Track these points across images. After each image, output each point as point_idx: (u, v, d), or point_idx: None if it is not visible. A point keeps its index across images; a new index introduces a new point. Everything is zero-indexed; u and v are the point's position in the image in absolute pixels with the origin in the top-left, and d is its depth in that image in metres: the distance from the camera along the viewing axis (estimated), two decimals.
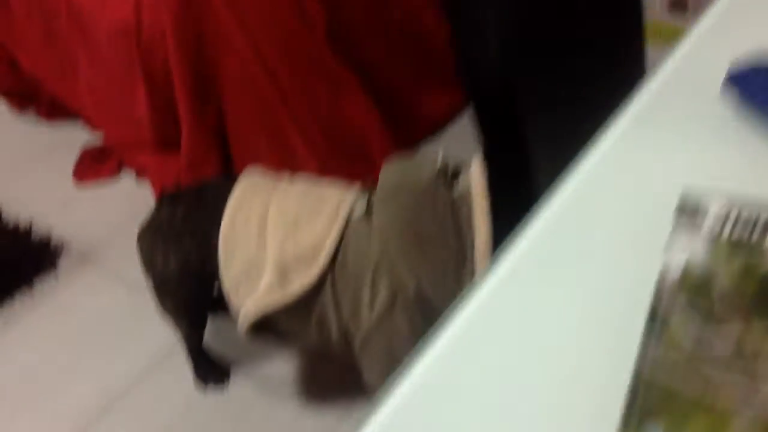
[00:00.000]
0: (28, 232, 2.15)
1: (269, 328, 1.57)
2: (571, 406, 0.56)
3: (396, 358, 1.47)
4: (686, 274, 0.57)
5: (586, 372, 0.58)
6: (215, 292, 1.61)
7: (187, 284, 1.58)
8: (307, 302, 1.47)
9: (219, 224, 1.50)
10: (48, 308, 2.00)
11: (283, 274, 1.46)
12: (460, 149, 2.28)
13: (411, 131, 2.30)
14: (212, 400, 1.77)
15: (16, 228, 2.16)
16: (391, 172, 1.46)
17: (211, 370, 1.79)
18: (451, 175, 1.43)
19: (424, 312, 1.43)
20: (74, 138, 2.49)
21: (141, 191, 2.30)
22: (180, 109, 2.10)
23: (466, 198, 1.39)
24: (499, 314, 0.64)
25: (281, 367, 1.82)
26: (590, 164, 0.76)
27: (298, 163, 2.08)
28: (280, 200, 1.51)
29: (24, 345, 1.92)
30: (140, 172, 2.33)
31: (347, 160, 2.10)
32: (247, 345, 1.86)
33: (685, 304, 0.55)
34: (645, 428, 0.51)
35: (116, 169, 2.36)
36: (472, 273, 1.38)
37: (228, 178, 1.58)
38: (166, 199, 1.60)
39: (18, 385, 1.84)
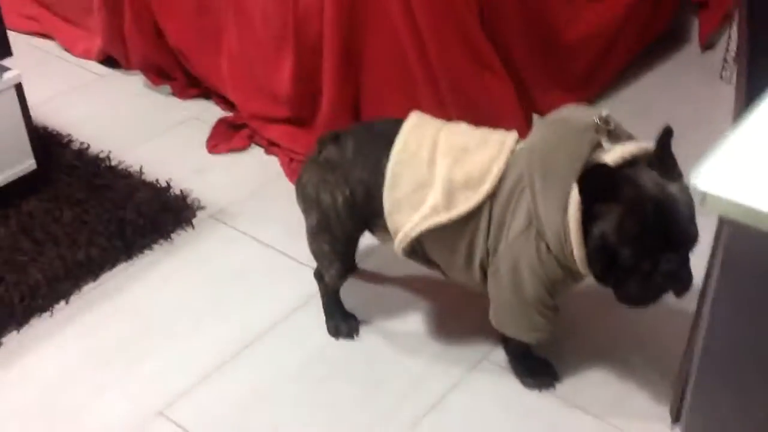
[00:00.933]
0: (166, 189, 2.27)
1: (420, 254, 1.66)
2: None
3: (520, 283, 1.54)
4: None
5: None
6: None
7: (352, 218, 1.67)
8: (465, 225, 1.57)
9: (389, 153, 1.60)
10: (186, 257, 2.10)
11: (449, 195, 1.55)
12: None
13: None
14: (342, 350, 1.84)
15: (156, 184, 2.28)
16: (563, 108, 1.56)
17: (343, 321, 1.87)
18: (615, 135, 1.49)
19: (546, 247, 1.50)
20: (206, 114, 2.62)
21: (269, 163, 2.41)
22: (324, 80, 2.22)
23: (607, 153, 1.45)
24: None
25: (410, 323, 1.90)
26: None
27: None
28: (450, 131, 1.62)
29: (164, 286, 2.02)
30: (270, 146, 2.44)
31: None
32: (377, 301, 1.94)
33: None
34: None
35: (247, 142, 2.48)
36: (573, 218, 1.43)
37: (392, 120, 1.68)
38: (329, 140, 1.70)
39: (161, 321, 1.94)
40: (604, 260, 1.43)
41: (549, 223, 1.47)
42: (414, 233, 1.59)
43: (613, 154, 1.44)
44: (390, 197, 1.60)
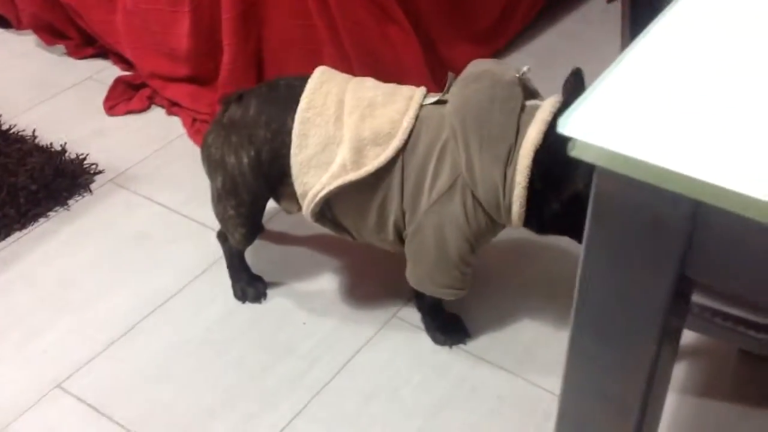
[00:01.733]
0: (61, 153, 2.17)
1: (328, 217, 1.62)
2: None
3: (444, 243, 1.53)
4: None
5: None
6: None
7: (258, 179, 1.61)
8: (375, 183, 1.53)
9: (294, 112, 1.55)
10: (84, 224, 2.02)
11: (358, 152, 1.51)
12: None
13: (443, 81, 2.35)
14: (249, 313, 1.80)
15: (50, 149, 2.18)
16: (478, 63, 1.53)
17: (249, 285, 1.83)
18: (528, 90, 1.49)
19: (474, 202, 1.49)
20: (103, 73, 2.52)
21: (171, 123, 2.33)
22: (223, 37, 2.14)
23: (535, 108, 1.45)
24: None
25: (319, 283, 1.86)
26: None
27: None
28: (356, 87, 1.57)
29: (62, 256, 1.94)
30: (171, 106, 2.36)
31: None
32: (285, 263, 1.90)
33: None
34: None
35: (146, 103, 2.39)
36: (513, 175, 1.43)
37: (297, 77, 1.62)
38: (232, 99, 1.64)
39: (58, 290, 1.86)
40: (574, 216, 1.41)
41: (485, 178, 1.45)
42: (323, 193, 1.55)
43: (544, 111, 1.43)
44: (297, 158, 1.55)
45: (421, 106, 1.54)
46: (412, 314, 1.78)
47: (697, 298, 1.17)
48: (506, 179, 1.45)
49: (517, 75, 1.47)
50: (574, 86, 1.46)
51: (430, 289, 1.63)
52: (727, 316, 1.15)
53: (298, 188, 1.58)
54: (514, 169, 1.43)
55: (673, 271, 0.68)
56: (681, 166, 0.62)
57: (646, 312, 0.71)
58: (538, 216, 1.49)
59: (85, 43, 2.58)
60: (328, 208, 1.60)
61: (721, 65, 0.73)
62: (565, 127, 0.65)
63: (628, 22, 1.22)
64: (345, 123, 1.53)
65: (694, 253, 0.67)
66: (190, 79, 2.32)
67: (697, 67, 0.72)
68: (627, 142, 0.64)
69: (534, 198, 1.45)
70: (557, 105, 1.46)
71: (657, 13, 0.81)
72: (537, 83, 1.54)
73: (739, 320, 1.15)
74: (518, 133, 1.44)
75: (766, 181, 0.61)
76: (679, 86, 0.70)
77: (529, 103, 1.48)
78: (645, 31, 0.74)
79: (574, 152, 0.65)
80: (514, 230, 1.58)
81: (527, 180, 1.43)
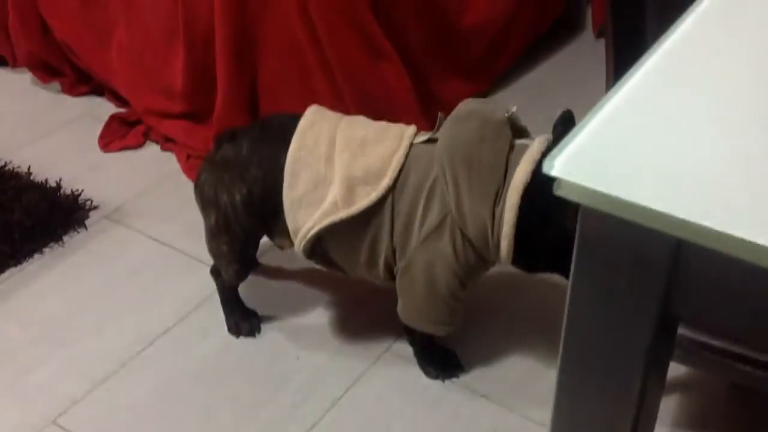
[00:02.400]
0: (56, 189, 2.19)
1: (319, 254, 1.63)
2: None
3: (434, 279, 1.54)
4: None
5: None
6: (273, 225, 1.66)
7: (250, 217, 1.63)
8: (366, 221, 1.55)
9: (286, 150, 1.57)
10: (79, 260, 2.03)
11: (349, 190, 1.53)
12: None
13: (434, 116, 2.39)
14: (243, 348, 1.81)
15: (45, 185, 2.20)
16: (469, 102, 1.56)
17: (243, 319, 1.84)
18: (516, 129, 1.52)
19: (463, 240, 1.51)
20: (98, 110, 2.54)
21: (166, 159, 2.35)
22: (218, 74, 2.17)
23: (524, 147, 1.48)
24: None
25: (312, 318, 1.87)
26: None
27: None
28: (347, 125, 1.59)
29: (57, 291, 1.95)
30: (166, 142, 2.38)
31: None
32: (278, 297, 1.91)
33: None
34: None
35: (141, 139, 2.41)
36: (501, 212, 1.45)
37: (289, 115, 1.65)
38: (225, 138, 1.66)
39: (53, 326, 1.87)
40: (562, 253, 1.43)
41: (474, 216, 1.47)
42: (314, 231, 1.57)
43: (533, 151, 1.46)
44: (289, 196, 1.57)
45: (412, 144, 1.57)
46: (404, 348, 1.79)
47: (685, 331, 1.19)
48: (495, 217, 1.47)
49: (507, 114, 1.50)
50: (564, 127, 1.48)
51: (420, 325, 1.64)
52: (715, 350, 1.17)
53: (290, 225, 1.60)
54: (503, 208, 1.46)
55: (656, 308, 0.70)
56: (663, 205, 0.65)
57: (631, 347, 0.73)
58: (526, 253, 1.51)
59: (80, 80, 2.61)
60: (319, 246, 1.61)
61: (704, 106, 0.75)
62: (550, 167, 0.67)
63: (612, 60, 1.26)
64: (336, 162, 1.55)
65: (677, 290, 0.69)
66: (184, 116, 2.35)
67: (680, 107, 0.75)
68: (610, 182, 0.66)
69: (522, 236, 1.47)
70: (546, 144, 1.48)
71: (641, 52, 0.84)
72: (526, 119, 1.57)
73: (727, 353, 1.17)
74: (507, 172, 1.47)
75: (747, 219, 0.63)
76: (661, 126, 0.73)
77: (518, 142, 1.50)
78: (629, 72, 0.76)
79: (559, 191, 0.67)
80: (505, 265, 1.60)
81: (515, 218, 1.45)
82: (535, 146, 1.47)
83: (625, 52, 1.23)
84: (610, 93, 0.74)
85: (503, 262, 1.53)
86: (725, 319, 0.71)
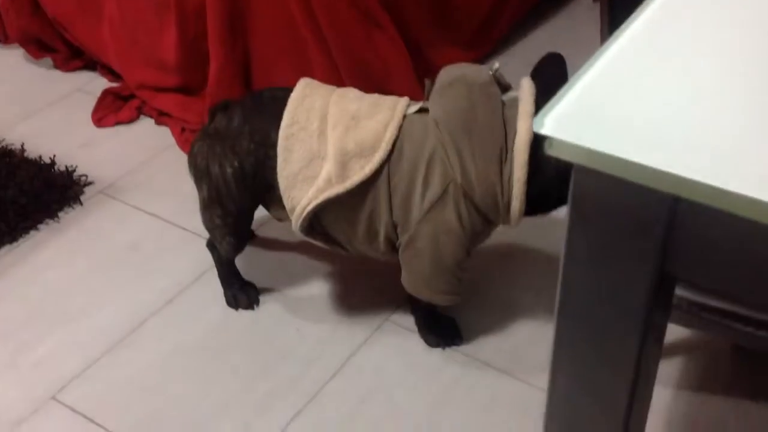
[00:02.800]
0: (50, 166, 2.17)
1: (318, 231, 1.62)
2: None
3: (440, 251, 1.53)
4: None
5: None
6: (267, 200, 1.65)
7: (242, 190, 1.62)
8: (363, 195, 1.53)
9: (278, 124, 1.55)
10: (75, 236, 2.02)
11: (343, 165, 1.51)
12: None
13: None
14: (242, 320, 1.80)
15: (39, 162, 2.18)
16: (450, 69, 1.54)
17: (241, 292, 1.83)
18: (502, 86, 1.50)
19: (468, 207, 1.50)
20: (91, 86, 2.52)
21: (160, 133, 2.33)
22: (210, 46, 2.15)
23: (515, 101, 1.47)
24: None
25: (311, 289, 1.86)
26: None
27: None
28: (339, 99, 1.57)
29: (54, 267, 1.94)
30: (160, 116, 2.36)
31: None
32: (276, 269, 1.90)
33: None
34: None
35: (135, 113, 2.39)
36: (510, 172, 1.45)
37: (282, 88, 1.63)
38: (219, 110, 1.64)
39: (50, 302, 1.86)
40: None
41: (482, 182, 1.46)
42: (311, 207, 1.55)
43: (526, 103, 1.44)
44: (283, 173, 1.55)
45: (405, 116, 1.55)
46: (404, 317, 1.78)
47: (685, 293, 1.18)
48: (503, 178, 1.45)
49: (491, 73, 1.49)
50: (555, 73, 1.48)
51: (427, 296, 1.63)
52: (713, 310, 1.16)
53: (287, 203, 1.58)
54: (511, 167, 1.44)
55: (653, 267, 0.69)
56: (658, 162, 0.63)
57: (628, 308, 0.72)
58: (533, 204, 1.50)
59: (72, 55, 2.58)
60: (317, 222, 1.60)
61: (698, 61, 0.74)
62: (540, 125, 0.65)
63: (606, 22, 1.23)
64: (329, 136, 1.53)
65: (673, 249, 0.68)
66: (178, 89, 2.32)
67: (674, 64, 0.73)
68: (603, 139, 0.65)
69: (531, 189, 1.46)
70: (534, 92, 1.47)
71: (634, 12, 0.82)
72: None
73: (726, 314, 1.16)
74: (506, 129, 1.45)
75: (744, 175, 0.62)
76: (654, 83, 0.71)
77: (506, 97, 1.49)
78: (618, 31, 0.74)
79: (551, 150, 0.66)
80: (503, 232, 1.59)
81: (526, 176, 1.44)
82: (525, 98, 1.46)
83: (619, 14, 1.21)
84: (601, 49, 0.72)
85: (512, 223, 1.52)
86: (722, 279, 0.69)
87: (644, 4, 0.78)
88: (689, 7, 0.79)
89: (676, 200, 0.65)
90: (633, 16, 0.76)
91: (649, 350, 0.74)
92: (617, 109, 0.68)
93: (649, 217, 0.67)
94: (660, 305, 0.74)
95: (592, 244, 0.70)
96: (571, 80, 0.69)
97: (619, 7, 1.25)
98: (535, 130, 0.65)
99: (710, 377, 1.64)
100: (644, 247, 0.68)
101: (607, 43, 0.72)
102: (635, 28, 0.75)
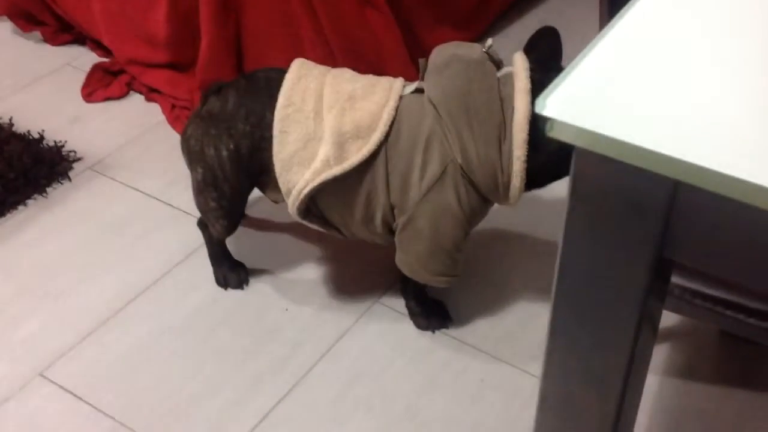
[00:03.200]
0: (39, 141, 2.15)
1: (315, 214, 1.61)
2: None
3: (439, 231, 1.53)
4: None
5: None
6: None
7: (237, 172, 1.60)
8: (360, 177, 1.52)
9: (273, 106, 1.53)
10: (63, 212, 2.00)
11: (340, 146, 1.50)
12: None
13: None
14: (231, 300, 1.79)
15: (28, 137, 2.16)
16: (443, 48, 1.53)
17: (231, 272, 1.82)
18: (496, 63, 1.50)
19: (467, 186, 1.49)
20: (80, 60, 2.49)
21: (150, 109, 2.31)
22: (201, 22, 2.12)
23: (509, 77, 1.46)
24: None
25: (301, 269, 1.86)
26: None
27: None
28: (335, 80, 1.56)
29: (42, 244, 1.92)
30: (150, 93, 2.34)
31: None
32: (267, 249, 1.89)
33: None
34: None
35: (125, 89, 2.36)
36: (510, 150, 1.44)
37: (276, 69, 1.61)
38: (212, 92, 1.63)
39: (38, 279, 1.84)
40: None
41: (482, 161, 1.45)
42: (307, 190, 1.53)
43: (521, 80, 1.44)
44: (279, 156, 1.54)
45: (401, 96, 1.54)
46: (394, 300, 1.78)
47: (677, 279, 1.18)
48: (502, 156, 1.45)
49: (484, 50, 1.48)
50: (549, 47, 1.48)
51: (424, 278, 1.62)
52: (706, 297, 1.16)
53: (283, 186, 1.57)
54: (511, 145, 1.44)
55: (652, 252, 0.68)
56: (659, 146, 0.62)
57: (625, 293, 0.71)
58: (532, 179, 1.50)
59: (61, 29, 2.55)
60: (314, 205, 1.59)
61: (700, 44, 0.73)
62: (542, 107, 0.65)
63: (606, 3, 1.23)
64: (325, 118, 1.52)
65: (672, 234, 0.67)
66: (168, 65, 2.30)
67: (675, 46, 0.72)
68: (605, 122, 0.64)
69: (530, 166, 1.46)
70: (527, 67, 1.46)
71: None
72: None
73: (718, 301, 1.16)
74: (503, 106, 1.45)
75: (745, 160, 0.61)
76: (656, 65, 0.70)
77: (501, 73, 1.48)
78: (622, 10, 0.74)
79: (552, 132, 0.65)
80: (496, 213, 1.58)
81: (526, 153, 1.43)
82: (520, 74, 1.45)
83: None
84: (603, 30, 0.71)
85: (512, 200, 1.52)
86: (721, 264, 0.69)
87: None
88: None
89: (677, 184, 0.65)
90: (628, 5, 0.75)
91: (644, 336, 0.74)
92: (619, 91, 0.67)
93: (649, 201, 0.66)
94: (657, 290, 0.73)
95: (591, 228, 0.70)
96: (573, 62, 0.69)
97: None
98: (537, 111, 0.65)
99: (698, 363, 1.64)
100: (644, 231, 0.68)
101: (608, 25, 0.72)
102: (638, 9, 0.74)
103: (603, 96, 0.66)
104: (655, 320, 0.79)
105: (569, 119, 0.64)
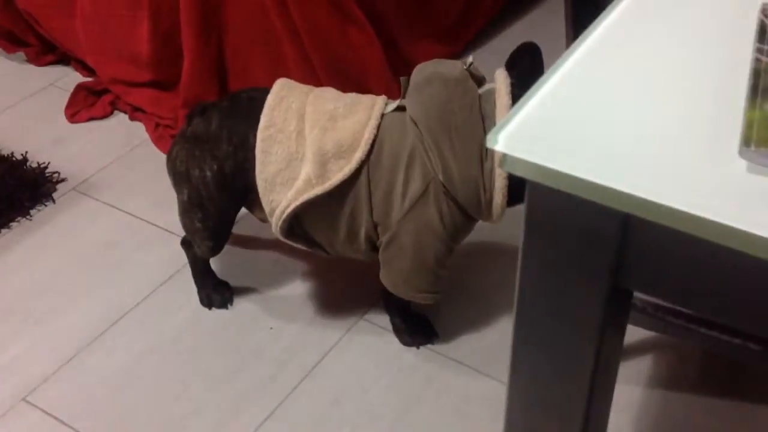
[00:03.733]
0: (23, 162, 2.15)
1: (298, 234, 1.61)
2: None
3: (422, 249, 1.53)
4: None
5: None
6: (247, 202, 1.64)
7: (223, 193, 1.60)
8: (343, 195, 1.52)
9: (256, 126, 1.54)
10: (47, 233, 2.00)
11: (322, 165, 1.50)
12: None
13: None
14: (216, 320, 1.79)
15: (11, 158, 2.16)
16: (424, 66, 1.53)
17: (215, 291, 1.82)
18: (476, 79, 1.50)
19: (449, 204, 1.49)
20: (64, 80, 2.50)
21: (134, 129, 2.31)
22: (183, 41, 2.13)
23: (491, 94, 1.46)
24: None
25: (285, 287, 1.86)
26: None
27: None
28: (316, 99, 1.56)
29: (26, 266, 1.92)
30: (133, 112, 2.34)
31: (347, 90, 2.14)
32: (250, 267, 1.89)
33: None
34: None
35: (109, 109, 2.37)
36: (491, 167, 1.44)
37: (259, 89, 1.61)
38: (196, 113, 1.63)
39: (22, 302, 1.84)
40: None
41: (464, 180, 1.45)
42: (290, 209, 1.54)
43: (502, 96, 1.44)
44: (262, 176, 1.54)
45: (383, 115, 1.54)
46: (378, 317, 1.78)
47: (649, 297, 1.18)
48: (484, 174, 1.45)
49: (465, 68, 1.48)
50: (531, 63, 1.47)
51: (408, 294, 1.62)
52: (679, 314, 1.16)
53: (266, 206, 1.57)
54: (492, 162, 1.44)
55: (606, 283, 0.68)
56: (610, 180, 0.63)
57: (581, 323, 0.71)
58: (514, 195, 1.48)
59: (45, 50, 2.56)
60: (297, 225, 1.59)
61: (650, 80, 0.73)
62: (494, 142, 0.65)
63: (570, 23, 1.23)
64: (307, 138, 1.52)
65: (626, 264, 0.67)
66: (152, 84, 2.30)
67: (626, 81, 0.73)
68: (556, 156, 0.64)
69: (512, 182, 1.46)
70: (508, 82, 1.46)
71: (600, 12, 0.81)
72: None
73: (691, 318, 1.16)
74: (485, 124, 1.45)
75: (692, 193, 0.62)
76: (607, 99, 0.70)
77: (482, 90, 1.48)
78: (574, 45, 0.74)
79: (505, 167, 0.65)
80: (480, 228, 1.59)
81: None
82: (501, 90, 1.45)
83: (583, 12, 1.21)
84: (553, 66, 0.71)
85: (495, 217, 1.51)
86: (674, 293, 0.69)
87: (600, 17, 0.77)
88: (644, 22, 0.79)
89: (627, 217, 0.65)
90: (588, 30, 0.76)
91: (604, 364, 0.74)
92: (570, 126, 0.67)
93: (601, 232, 0.66)
94: (615, 320, 0.73)
95: (546, 259, 0.70)
96: (525, 96, 0.69)
97: (585, 8, 1.24)
98: (489, 146, 0.65)
99: (682, 375, 1.64)
100: (597, 262, 0.68)
101: (559, 60, 0.72)
102: (589, 44, 0.75)
103: (554, 130, 0.67)
104: (615, 347, 0.80)
105: (521, 154, 0.64)
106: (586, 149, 0.65)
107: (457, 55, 2.47)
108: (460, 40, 2.51)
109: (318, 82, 2.09)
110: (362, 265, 1.70)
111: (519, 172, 0.65)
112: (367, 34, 2.15)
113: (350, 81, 2.11)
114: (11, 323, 1.80)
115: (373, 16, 2.19)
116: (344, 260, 1.76)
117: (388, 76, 2.19)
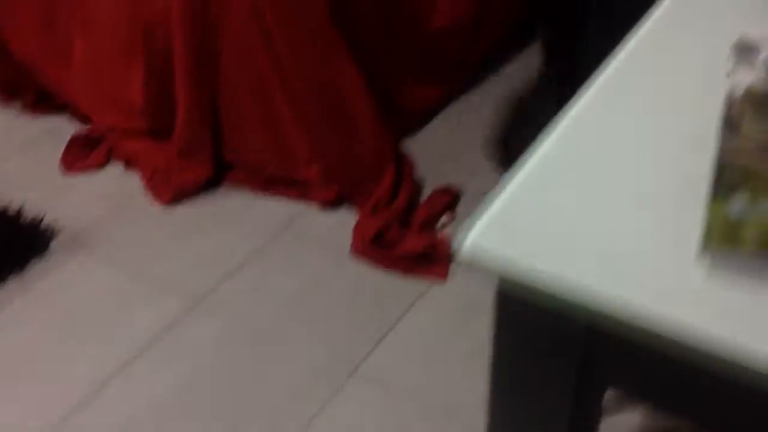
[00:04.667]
0: (17, 215, 2.15)
1: None
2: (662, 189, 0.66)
3: None
4: (749, 91, 0.70)
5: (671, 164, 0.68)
6: None
7: None
8: None
9: None
10: (41, 290, 1.99)
11: None
12: (443, 143, 2.34)
13: (397, 122, 2.35)
14: (207, 379, 1.78)
15: (6, 211, 2.16)
16: None
17: None
18: None
19: None
20: (60, 130, 2.48)
21: (129, 179, 2.31)
22: (177, 89, 2.14)
23: None
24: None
25: (278, 342, 1.85)
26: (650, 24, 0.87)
27: (289, 141, 2.12)
28: None
29: (17, 325, 1.91)
30: (129, 161, 2.34)
31: (338, 137, 2.14)
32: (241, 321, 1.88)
33: (752, 112, 0.65)
34: (732, 197, 0.62)
35: (104, 159, 2.37)
36: None
37: None
38: None
39: (14, 360, 1.83)
40: None
41: None
42: None
43: None
44: None
45: None
46: (371, 370, 1.76)
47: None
48: None
49: None
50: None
51: None
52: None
53: None
54: None
55: (573, 379, 0.67)
56: (576, 279, 0.62)
57: (552, 415, 0.70)
58: None
59: (41, 99, 2.56)
60: None
61: (616, 175, 0.73)
62: (463, 242, 0.64)
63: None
64: None
65: (593, 362, 0.67)
66: (147, 133, 2.31)
67: (591, 180, 0.72)
68: (524, 254, 0.64)
69: None
70: None
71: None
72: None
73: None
74: None
75: (662, 293, 0.61)
76: (574, 198, 0.70)
77: None
78: (540, 139, 0.74)
79: (474, 266, 0.65)
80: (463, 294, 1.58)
81: None
82: None
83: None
84: (521, 164, 0.72)
85: None
86: (643, 390, 0.68)
87: (564, 111, 0.77)
88: (608, 113, 0.79)
89: (594, 315, 0.64)
90: (552, 125, 0.76)
91: None
92: (537, 224, 0.67)
93: (568, 327, 0.66)
94: (590, 408, 0.73)
95: (515, 352, 0.69)
96: (491, 195, 0.69)
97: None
98: (454, 248, 0.65)
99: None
100: (565, 357, 0.67)
101: (524, 157, 0.72)
102: (555, 141, 0.75)
103: (521, 228, 0.66)
104: None
105: (487, 254, 0.64)
106: (553, 247, 0.65)
107: (455, 95, 2.47)
108: (456, 82, 2.51)
109: (310, 123, 2.10)
110: (351, 313, 1.67)
111: (487, 271, 0.65)
112: (355, 79, 2.15)
113: (342, 122, 2.12)
114: (3, 382, 1.78)
115: (364, 60, 2.19)
116: (335, 311, 1.74)
117: (378, 120, 2.19)
